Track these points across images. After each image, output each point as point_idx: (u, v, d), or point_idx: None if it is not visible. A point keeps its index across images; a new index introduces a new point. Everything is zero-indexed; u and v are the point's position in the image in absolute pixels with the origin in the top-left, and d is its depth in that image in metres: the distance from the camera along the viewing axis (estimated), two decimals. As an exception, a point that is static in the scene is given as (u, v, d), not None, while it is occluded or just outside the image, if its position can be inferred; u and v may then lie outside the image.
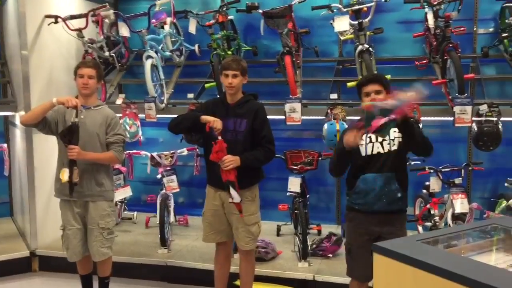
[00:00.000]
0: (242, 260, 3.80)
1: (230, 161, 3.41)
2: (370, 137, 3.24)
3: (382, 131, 2.88)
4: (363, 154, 3.23)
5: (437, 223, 4.47)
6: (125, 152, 4.79)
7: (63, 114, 3.70)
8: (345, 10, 4.60)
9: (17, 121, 5.38)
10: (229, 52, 5.20)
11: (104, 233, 3.74)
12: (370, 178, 3.20)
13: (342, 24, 4.61)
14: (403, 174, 3.29)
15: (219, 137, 3.42)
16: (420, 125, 4.36)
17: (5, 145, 5.42)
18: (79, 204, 3.71)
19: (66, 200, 3.73)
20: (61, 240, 3.82)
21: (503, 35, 4.90)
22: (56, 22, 5.07)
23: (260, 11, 4.82)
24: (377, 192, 3.18)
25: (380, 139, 3.22)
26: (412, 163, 4.58)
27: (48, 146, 4.93)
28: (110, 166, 3.89)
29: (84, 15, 5.16)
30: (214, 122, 3.41)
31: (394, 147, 3.21)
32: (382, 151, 3.21)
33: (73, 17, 5.16)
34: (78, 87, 3.72)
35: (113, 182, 3.94)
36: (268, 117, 3.64)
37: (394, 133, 3.20)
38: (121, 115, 5.18)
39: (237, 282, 4.25)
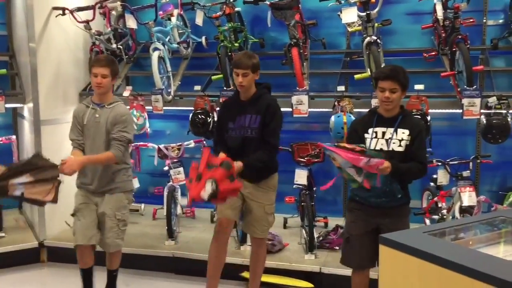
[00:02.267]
0: (255, 250, 3.79)
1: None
2: (376, 132, 3.18)
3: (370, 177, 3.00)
4: (366, 147, 3.19)
5: (445, 216, 4.44)
6: (132, 145, 4.74)
7: (81, 117, 3.73)
8: (353, 1, 4.54)
9: (26, 113, 5.41)
10: (236, 44, 5.18)
11: (119, 225, 3.78)
12: None
13: (350, 15, 4.57)
14: None
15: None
16: (428, 118, 4.34)
17: (13, 136, 5.47)
18: (96, 194, 3.75)
19: (85, 190, 3.77)
20: (72, 227, 3.81)
21: (513, 26, 4.84)
22: (63, 14, 5.08)
23: (267, 2, 4.78)
24: (378, 191, 3.15)
25: (388, 135, 3.14)
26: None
27: (56, 138, 4.98)
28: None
29: (92, 7, 5.17)
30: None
31: (400, 149, 3.14)
32: (385, 149, 3.14)
33: (80, 9, 5.16)
34: (92, 85, 3.73)
35: (129, 172, 3.87)
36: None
37: (403, 134, 3.14)
38: (128, 107, 5.20)
39: (245, 274, 4.27)
